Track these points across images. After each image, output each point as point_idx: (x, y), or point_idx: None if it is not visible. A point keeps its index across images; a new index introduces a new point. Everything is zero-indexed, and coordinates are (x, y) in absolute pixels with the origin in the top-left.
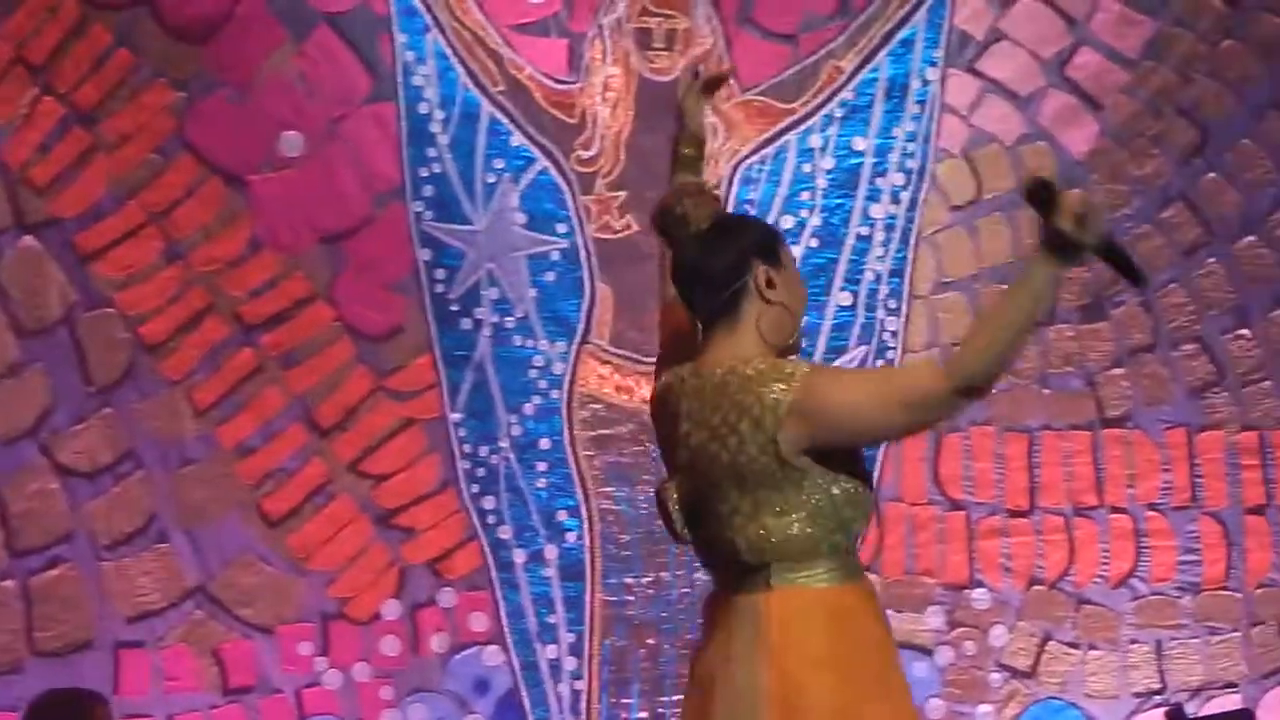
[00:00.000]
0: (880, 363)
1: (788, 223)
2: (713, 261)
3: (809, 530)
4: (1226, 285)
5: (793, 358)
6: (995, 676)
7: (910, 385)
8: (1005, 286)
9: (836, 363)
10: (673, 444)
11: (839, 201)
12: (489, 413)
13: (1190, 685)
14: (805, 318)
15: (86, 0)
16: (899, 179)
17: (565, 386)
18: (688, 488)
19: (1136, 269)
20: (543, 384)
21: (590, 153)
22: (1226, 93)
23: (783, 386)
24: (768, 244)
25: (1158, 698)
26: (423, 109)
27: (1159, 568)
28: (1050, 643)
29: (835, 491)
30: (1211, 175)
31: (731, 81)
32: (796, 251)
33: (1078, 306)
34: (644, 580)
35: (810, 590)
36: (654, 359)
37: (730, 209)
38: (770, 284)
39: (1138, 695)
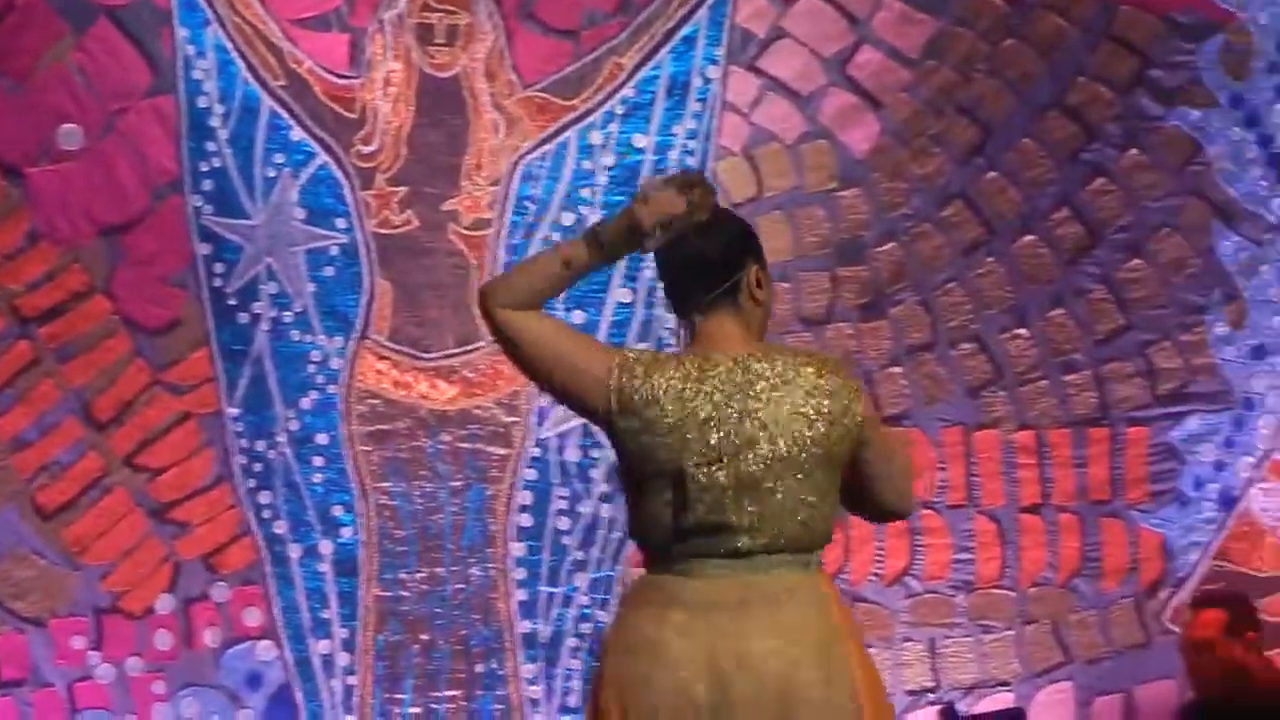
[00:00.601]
0: None
1: (568, 219)
2: (715, 251)
3: (833, 516)
4: (1005, 284)
5: None
6: None
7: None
8: (785, 284)
9: None
10: (698, 425)
11: (619, 198)
12: (266, 407)
13: (963, 684)
14: None
15: None
16: None
17: (343, 382)
18: (731, 469)
19: None
20: (320, 379)
21: (370, 148)
22: (1007, 92)
23: (856, 380)
24: (758, 245)
25: (931, 696)
26: (202, 103)
27: (933, 566)
28: None
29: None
30: (992, 174)
31: (513, 77)
32: None
33: (857, 305)
34: (418, 576)
35: (826, 574)
36: (432, 355)
37: (509, 205)
38: (759, 284)
39: (911, 693)
